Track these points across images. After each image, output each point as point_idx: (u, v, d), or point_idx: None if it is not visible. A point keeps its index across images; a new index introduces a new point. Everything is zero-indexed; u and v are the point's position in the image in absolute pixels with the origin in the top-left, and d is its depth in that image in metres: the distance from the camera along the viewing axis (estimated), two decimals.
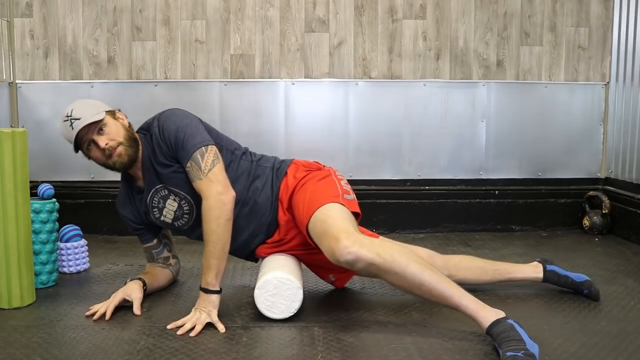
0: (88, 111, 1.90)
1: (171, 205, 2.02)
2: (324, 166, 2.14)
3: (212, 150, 1.91)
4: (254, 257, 2.13)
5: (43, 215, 2.21)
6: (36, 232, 2.19)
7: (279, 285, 1.85)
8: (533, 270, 2.15)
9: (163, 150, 1.95)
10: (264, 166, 2.10)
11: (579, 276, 2.10)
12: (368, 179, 3.17)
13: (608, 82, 3.25)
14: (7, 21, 3.04)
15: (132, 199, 2.10)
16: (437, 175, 3.22)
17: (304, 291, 2.16)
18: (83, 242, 2.47)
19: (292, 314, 1.87)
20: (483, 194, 3.23)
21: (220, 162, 1.91)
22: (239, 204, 1.99)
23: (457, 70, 3.21)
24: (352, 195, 2.00)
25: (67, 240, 2.43)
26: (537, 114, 3.23)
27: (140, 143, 2.00)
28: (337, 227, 1.74)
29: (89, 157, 1.99)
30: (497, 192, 3.23)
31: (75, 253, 2.42)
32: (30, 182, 2.07)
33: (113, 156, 1.93)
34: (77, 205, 3.10)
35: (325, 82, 3.17)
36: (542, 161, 3.26)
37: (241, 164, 2.06)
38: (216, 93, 3.13)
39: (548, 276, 2.13)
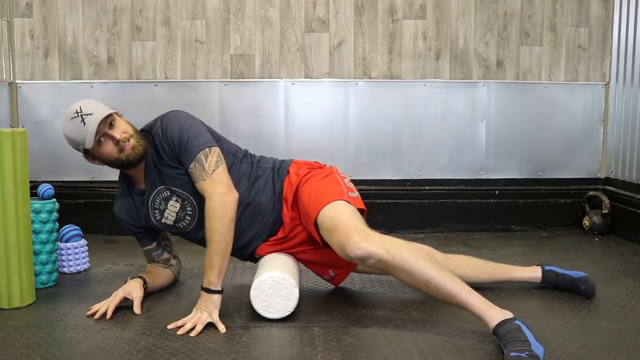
0: (97, 107, 1.91)
1: (173, 207, 2.03)
2: (324, 165, 2.15)
3: (216, 151, 1.92)
4: (253, 257, 2.13)
5: (43, 215, 2.21)
6: (36, 232, 2.19)
7: (274, 285, 1.85)
8: (532, 271, 2.17)
9: (166, 151, 1.96)
10: (264, 167, 2.11)
11: (575, 273, 2.12)
12: (368, 179, 3.17)
13: (608, 82, 3.25)
14: (7, 21, 3.04)
15: (132, 201, 2.10)
16: (437, 175, 3.22)
17: (303, 291, 2.17)
18: (83, 242, 2.47)
19: (289, 312, 1.87)
20: (483, 194, 3.23)
21: (223, 163, 1.92)
22: (241, 206, 2.00)
23: (457, 70, 3.21)
24: (356, 193, 2.03)
25: (67, 240, 2.43)
26: (537, 114, 3.23)
27: (144, 137, 2.00)
28: (348, 224, 1.76)
29: (93, 158, 1.97)
30: (497, 192, 3.23)
31: (75, 253, 2.42)
32: (30, 182, 2.07)
33: (126, 149, 1.92)
34: (77, 205, 3.10)
35: (325, 82, 3.17)
36: (542, 161, 3.26)
37: (242, 166, 2.07)
38: (216, 93, 3.13)
39: (546, 276, 2.15)
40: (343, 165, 3.09)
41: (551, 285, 2.15)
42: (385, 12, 3.17)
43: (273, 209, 2.06)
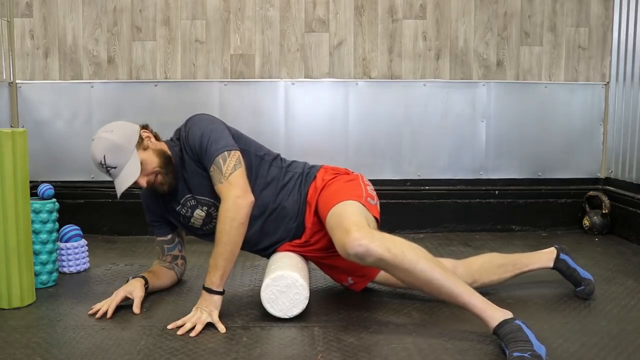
0: (120, 158, 1.92)
1: (199, 215, 2.06)
2: (352, 172, 2.17)
3: (235, 155, 1.93)
4: (271, 254, 2.14)
5: (43, 215, 2.21)
6: (36, 232, 2.19)
7: (291, 286, 1.85)
8: (548, 257, 2.16)
9: (190, 155, 1.98)
10: (293, 171, 2.13)
11: (584, 273, 2.13)
12: (368, 179, 3.16)
13: (608, 82, 3.24)
14: (7, 21, 3.03)
15: (160, 195, 2.11)
16: (437, 175, 3.22)
17: None
18: (83, 242, 2.47)
19: (287, 317, 1.87)
20: (483, 194, 3.23)
21: (242, 167, 1.93)
22: (268, 210, 2.03)
23: (457, 70, 3.21)
24: (376, 201, 2.03)
25: (67, 240, 2.43)
26: (537, 114, 3.23)
27: (172, 157, 2.01)
28: (350, 220, 1.75)
29: None
30: (497, 192, 3.23)
31: (75, 253, 2.42)
32: (30, 182, 2.07)
33: (156, 186, 1.99)
34: (77, 205, 3.10)
35: (325, 82, 3.17)
36: (542, 161, 3.26)
37: (271, 170, 2.08)
38: (216, 93, 3.13)
39: (557, 265, 2.15)
40: (343, 165, 3.08)
41: (558, 271, 2.16)
42: (385, 12, 3.17)
43: (297, 213, 2.07)
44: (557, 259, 2.15)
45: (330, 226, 1.84)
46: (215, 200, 1.99)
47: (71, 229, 2.47)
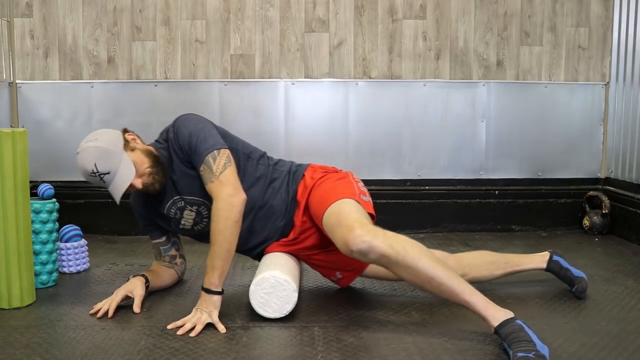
0: (111, 162, 1.89)
1: (189, 215, 2.05)
2: (340, 170, 2.17)
3: (225, 153, 1.92)
4: (261, 255, 2.14)
5: (43, 215, 2.21)
6: (36, 232, 2.19)
7: (276, 285, 1.85)
8: (541, 259, 2.18)
9: (179, 155, 1.97)
10: (280, 170, 2.12)
11: (577, 272, 2.14)
12: (368, 179, 3.15)
13: (608, 82, 3.25)
14: (7, 21, 3.03)
15: (149, 198, 2.10)
16: (437, 175, 3.22)
17: (304, 291, 2.18)
18: (83, 242, 2.47)
19: (284, 315, 1.87)
20: (483, 194, 3.23)
21: (232, 165, 1.92)
22: (255, 207, 2.02)
23: (457, 70, 3.21)
24: (369, 198, 2.03)
25: (67, 240, 2.43)
26: (537, 114, 3.23)
27: (159, 157, 2.00)
28: (352, 218, 1.76)
29: None
30: (497, 192, 3.23)
31: (75, 253, 2.42)
32: (30, 182, 2.07)
33: (147, 186, 1.95)
34: (77, 205, 3.09)
35: (325, 82, 3.17)
36: (542, 161, 3.26)
37: (259, 168, 2.08)
38: (216, 93, 3.13)
39: (550, 266, 2.17)
40: (343, 165, 3.08)
41: (551, 273, 2.17)
42: (385, 12, 3.17)
43: (285, 212, 2.06)
44: (550, 260, 2.17)
45: (329, 225, 1.84)
46: (204, 199, 1.99)
47: (71, 229, 2.47)
